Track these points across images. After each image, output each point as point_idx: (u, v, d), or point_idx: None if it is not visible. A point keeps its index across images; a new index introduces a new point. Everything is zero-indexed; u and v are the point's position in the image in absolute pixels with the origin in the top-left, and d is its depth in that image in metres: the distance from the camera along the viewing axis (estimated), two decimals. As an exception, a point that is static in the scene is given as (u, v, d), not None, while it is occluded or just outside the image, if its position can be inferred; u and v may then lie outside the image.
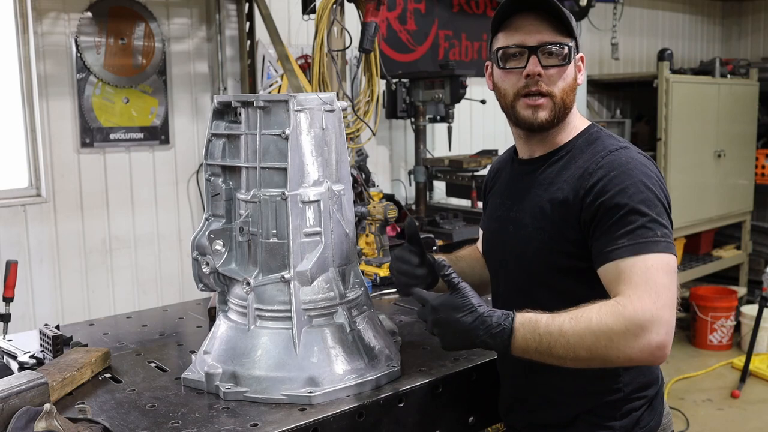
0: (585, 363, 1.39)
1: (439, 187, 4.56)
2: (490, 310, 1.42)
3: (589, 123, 1.66)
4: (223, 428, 1.42)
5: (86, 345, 1.89)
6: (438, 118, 4.16)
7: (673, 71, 5.37)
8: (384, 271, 2.56)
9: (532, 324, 1.39)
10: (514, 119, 1.62)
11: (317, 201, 1.63)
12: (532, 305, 1.45)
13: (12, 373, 1.69)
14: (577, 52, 1.60)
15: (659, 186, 1.49)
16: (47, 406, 1.28)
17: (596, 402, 1.58)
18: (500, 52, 1.58)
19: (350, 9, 3.30)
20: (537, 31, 1.54)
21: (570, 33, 1.56)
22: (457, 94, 3.96)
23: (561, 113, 1.58)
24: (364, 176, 3.40)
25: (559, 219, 1.53)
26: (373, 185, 3.53)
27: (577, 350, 1.36)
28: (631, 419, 1.58)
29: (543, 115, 1.56)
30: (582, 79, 1.62)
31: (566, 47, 1.55)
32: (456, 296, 1.43)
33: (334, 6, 3.19)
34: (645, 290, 1.36)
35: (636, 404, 1.59)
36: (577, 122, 1.65)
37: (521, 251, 1.62)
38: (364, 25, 3.21)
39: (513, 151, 1.78)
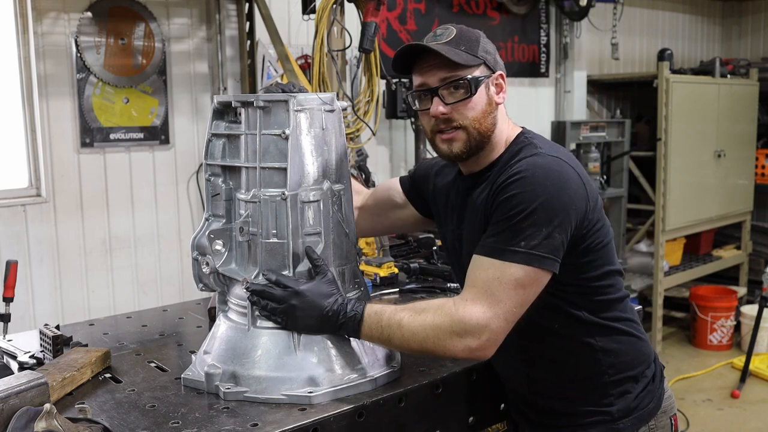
0: (417, 353, 1.54)
1: (439, 187, 4.56)
2: (346, 297, 1.57)
3: (520, 130, 1.67)
4: (223, 428, 1.42)
5: (86, 345, 1.88)
6: (438, 118, 4.15)
7: (673, 71, 5.37)
8: (384, 271, 2.56)
9: (378, 316, 1.53)
10: (436, 153, 1.68)
11: (317, 201, 1.63)
12: None
13: (12, 373, 1.69)
14: (493, 72, 1.60)
15: (564, 195, 1.48)
16: (47, 406, 1.28)
17: (584, 388, 1.62)
18: (413, 94, 1.63)
19: (350, 9, 3.30)
20: (437, 70, 1.57)
21: (473, 62, 1.56)
22: (457, 94, 3.95)
23: (477, 141, 1.61)
24: (364, 176, 3.40)
25: (484, 229, 1.56)
26: (373, 185, 3.53)
27: (410, 344, 1.50)
28: (626, 401, 1.62)
29: (457, 146, 1.61)
30: (503, 96, 1.62)
31: (466, 80, 1.56)
32: (324, 282, 1.55)
33: (334, 6, 3.19)
34: (481, 297, 1.46)
35: (628, 386, 1.62)
36: (506, 134, 1.65)
37: (465, 264, 1.60)
38: (364, 25, 3.21)
39: None
